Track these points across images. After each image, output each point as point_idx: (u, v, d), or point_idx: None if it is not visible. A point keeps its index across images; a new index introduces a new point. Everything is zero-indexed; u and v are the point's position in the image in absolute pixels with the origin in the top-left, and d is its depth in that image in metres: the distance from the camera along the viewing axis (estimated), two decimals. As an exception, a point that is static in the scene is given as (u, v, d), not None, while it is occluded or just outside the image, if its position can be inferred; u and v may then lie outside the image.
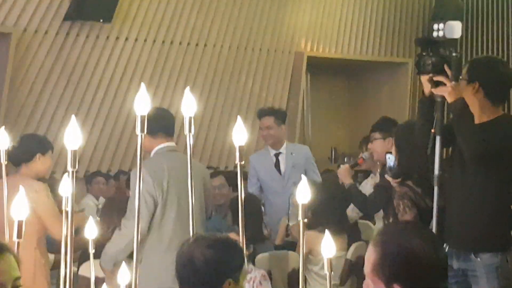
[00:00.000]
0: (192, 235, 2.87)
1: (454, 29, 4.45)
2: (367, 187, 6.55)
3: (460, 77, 4.38)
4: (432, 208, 4.50)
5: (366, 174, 7.41)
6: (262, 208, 6.66)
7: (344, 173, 5.93)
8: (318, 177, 7.22)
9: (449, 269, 3.80)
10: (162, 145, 5.08)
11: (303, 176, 2.45)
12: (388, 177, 5.03)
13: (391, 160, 4.99)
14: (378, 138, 6.01)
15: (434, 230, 4.28)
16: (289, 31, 11.00)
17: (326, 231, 2.33)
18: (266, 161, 7.14)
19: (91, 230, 2.78)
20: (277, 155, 7.18)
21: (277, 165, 7.12)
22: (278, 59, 10.99)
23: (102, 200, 8.35)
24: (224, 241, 3.06)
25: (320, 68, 11.74)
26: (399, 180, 4.94)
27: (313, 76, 12.04)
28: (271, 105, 10.22)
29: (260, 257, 6.05)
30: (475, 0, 12.70)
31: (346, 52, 11.70)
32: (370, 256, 2.32)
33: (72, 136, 2.15)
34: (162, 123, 5.06)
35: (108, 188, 8.86)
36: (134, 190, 4.38)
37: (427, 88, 4.44)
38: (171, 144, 5.15)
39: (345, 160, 6.45)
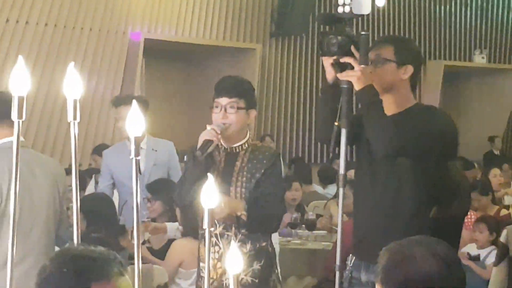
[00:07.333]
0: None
1: (363, 4, 3.92)
2: None
3: (387, 59, 3.90)
4: None
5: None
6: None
7: None
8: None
9: (357, 282, 3.92)
10: (7, 139, 4.11)
11: (209, 175, 2.09)
12: None
13: None
14: None
15: (339, 238, 3.97)
16: (123, 9, 10.47)
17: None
18: (123, 157, 5.99)
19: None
20: None
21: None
22: (110, 41, 10.40)
23: None
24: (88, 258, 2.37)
25: (157, 52, 11.30)
26: None
27: (150, 61, 11.53)
28: (103, 92, 9.31)
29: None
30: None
31: (188, 35, 11.22)
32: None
33: None
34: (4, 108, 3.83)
35: None
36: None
37: (330, 74, 3.95)
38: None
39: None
